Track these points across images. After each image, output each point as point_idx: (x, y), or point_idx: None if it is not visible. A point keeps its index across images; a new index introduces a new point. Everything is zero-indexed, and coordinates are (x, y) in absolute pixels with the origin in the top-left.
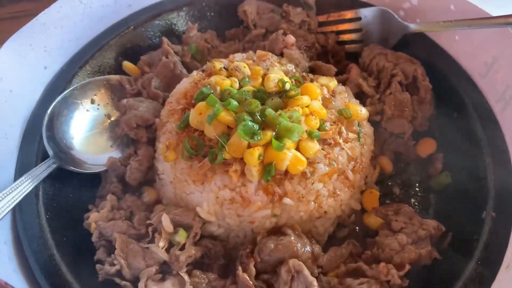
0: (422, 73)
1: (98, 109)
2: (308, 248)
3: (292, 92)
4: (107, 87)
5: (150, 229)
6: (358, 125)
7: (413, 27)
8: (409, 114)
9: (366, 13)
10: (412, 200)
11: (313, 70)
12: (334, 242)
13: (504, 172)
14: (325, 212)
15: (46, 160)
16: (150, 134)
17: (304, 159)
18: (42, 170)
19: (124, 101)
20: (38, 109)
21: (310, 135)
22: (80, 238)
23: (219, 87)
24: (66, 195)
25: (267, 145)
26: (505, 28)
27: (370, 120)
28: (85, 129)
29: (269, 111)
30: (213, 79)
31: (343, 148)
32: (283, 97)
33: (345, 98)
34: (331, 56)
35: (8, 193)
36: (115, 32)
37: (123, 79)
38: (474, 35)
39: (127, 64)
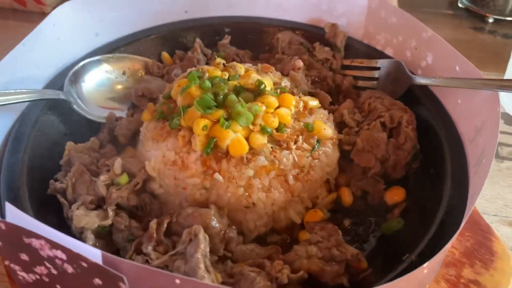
0: (407, 120)
1: (126, 80)
2: (219, 226)
3: (266, 93)
4: (142, 66)
5: (105, 168)
6: (318, 141)
7: (417, 79)
8: (379, 153)
9: (384, 64)
10: (356, 238)
11: (311, 96)
12: (261, 244)
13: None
14: (254, 204)
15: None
16: None
17: (246, 146)
18: (48, 93)
19: (145, 76)
20: (74, 65)
21: (263, 129)
22: (54, 168)
23: (207, 74)
24: (63, 130)
25: (216, 122)
26: (496, 92)
27: (342, 148)
28: (104, 89)
29: (231, 96)
30: (207, 67)
31: (291, 153)
32: (257, 96)
33: (320, 118)
34: (343, 96)
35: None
36: (167, 28)
37: (154, 63)
38: (474, 98)
39: (164, 54)
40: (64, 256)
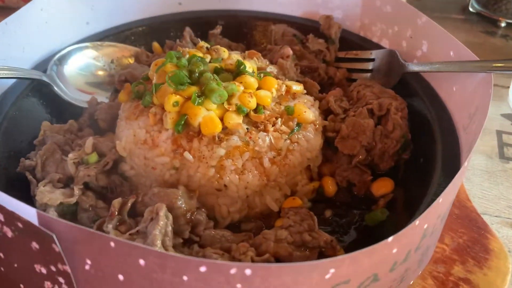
0: (396, 106)
1: (113, 68)
2: (186, 207)
3: (245, 74)
4: (131, 55)
5: (77, 148)
6: (298, 124)
7: (411, 66)
8: (364, 140)
9: (378, 55)
10: (336, 229)
11: None
12: (235, 231)
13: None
14: (225, 186)
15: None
16: None
17: (219, 124)
18: (30, 73)
19: (132, 63)
20: (61, 50)
21: (238, 109)
22: (29, 148)
23: (188, 55)
24: (43, 113)
25: (189, 99)
26: (490, 74)
27: (327, 135)
28: (88, 73)
29: (207, 74)
30: (188, 49)
31: (268, 136)
32: (235, 76)
33: (303, 103)
34: (335, 89)
35: None
36: (160, 19)
37: (143, 52)
38: (468, 83)
39: (155, 45)
40: (1, 217)
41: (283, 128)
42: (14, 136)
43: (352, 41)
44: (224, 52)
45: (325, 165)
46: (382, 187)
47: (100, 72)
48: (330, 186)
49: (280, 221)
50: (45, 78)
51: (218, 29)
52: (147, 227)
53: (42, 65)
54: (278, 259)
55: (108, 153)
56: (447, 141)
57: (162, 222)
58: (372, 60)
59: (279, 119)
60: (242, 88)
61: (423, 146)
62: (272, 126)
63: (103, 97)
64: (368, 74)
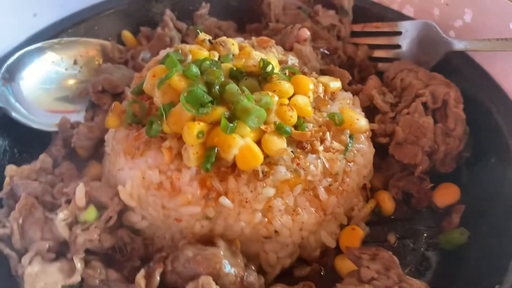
0: (455, 98)
1: (79, 71)
2: (236, 271)
3: (274, 77)
4: (99, 52)
5: (63, 199)
6: (350, 137)
7: (458, 44)
8: (426, 144)
9: (408, 27)
10: (408, 257)
11: (324, 75)
12: (289, 281)
13: None
14: (276, 232)
15: None
16: None
17: (261, 155)
18: None
19: (103, 65)
20: (7, 56)
21: (279, 129)
22: None
23: (191, 56)
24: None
25: (215, 124)
26: None
27: (376, 141)
28: (49, 84)
29: (231, 86)
30: (188, 46)
31: (320, 158)
32: (262, 81)
33: (346, 105)
34: (358, 71)
35: None
36: (125, 1)
37: (114, 46)
38: None
39: (126, 34)
40: None
41: (335, 145)
42: None
43: (367, 10)
44: (233, 46)
45: (375, 175)
46: (447, 195)
47: (65, 80)
48: (388, 204)
49: (342, 261)
50: None
51: (205, 8)
52: None
53: None
54: None
55: (108, 203)
56: None
57: None
58: (399, 33)
59: (327, 133)
60: (276, 98)
61: (485, 140)
62: (321, 144)
63: (73, 114)
64: (397, 51)
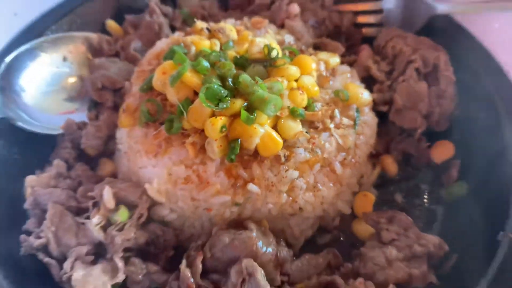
0: (445, 61)
1: (70, 68)
2: (270, 249)
3: (279, 61)
4: (85, 46)
5: (90, 203)
6: (357, 111)
7: (441, 8)
8: (424, 108)
9: None
10: (416, 212)
11: (318, 48)
12: (312, 248)
13: None
14: (301, 209)
15: None
16: (118, 99)
17: (280, 140)
18: None
19: (96, 60)
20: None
21: (293, 113)
22: (17, 204)
23: (194, 47)
24: (11, 156)
25: (235, 116)
26: None
27: (375, 110)
28: (48, 87)
29: (244, 77)
30: (190, 38)
31: (332, 135)
32: (268, 66)
33: (346, 79)
34: (345, 39)
35: None
36: None
37: (101, 38)
38: None
39: (111, 23)
40: None
41: (345, 121)
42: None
43: None
44: (232, 31)
45: (377, 141)
46: (443, 152)
47: (66, 80)
48: (391, 166)
49: (359, 225)
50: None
51: None
52: None
53: None
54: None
55: (137, 201)
56: (502, 87)
57: (263, 284)
58: None
59: (336, 111)
60: (286, 82)
61: (472, 97)
62: (331, 121)
63: (76, 114)
64: (381, 16)
